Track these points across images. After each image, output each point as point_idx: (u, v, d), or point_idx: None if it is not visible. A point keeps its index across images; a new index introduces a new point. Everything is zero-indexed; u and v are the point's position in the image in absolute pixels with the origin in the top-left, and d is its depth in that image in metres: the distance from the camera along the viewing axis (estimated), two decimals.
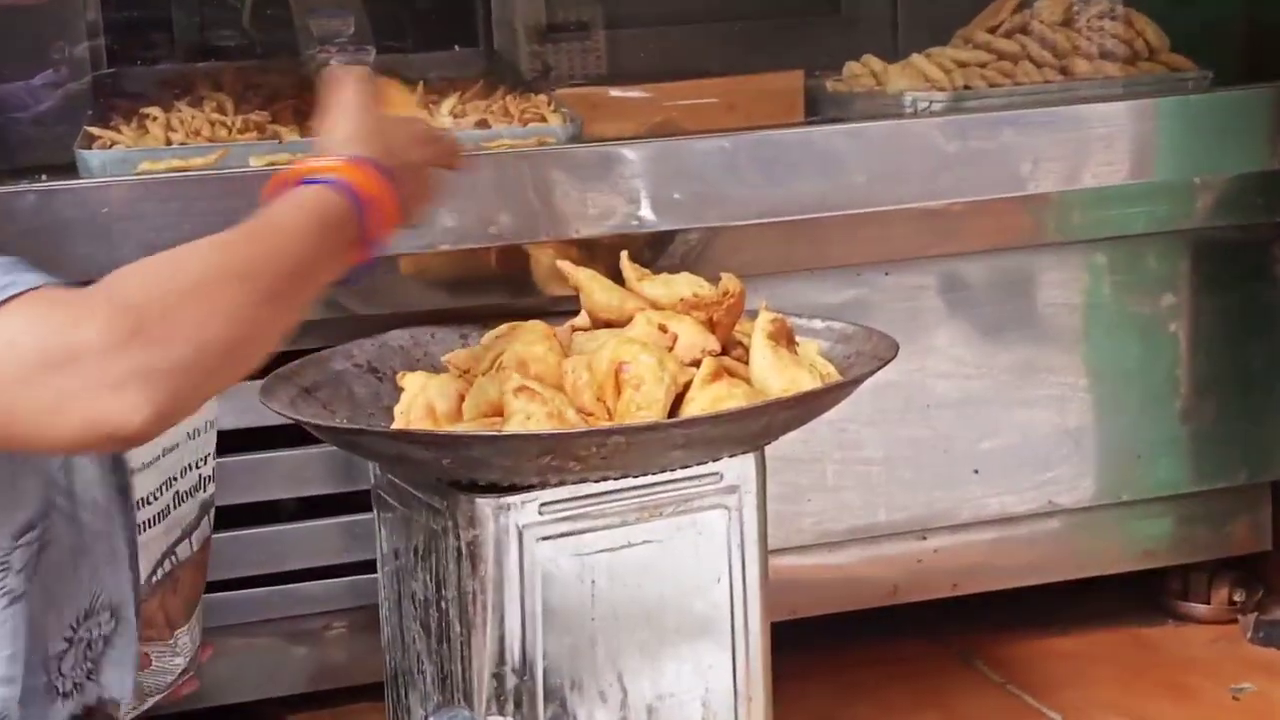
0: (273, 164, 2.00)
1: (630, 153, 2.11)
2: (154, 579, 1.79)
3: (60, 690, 1.55)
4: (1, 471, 1.42)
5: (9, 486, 1.43)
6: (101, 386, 1.17)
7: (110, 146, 2.07)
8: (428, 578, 1.76)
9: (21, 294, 1.19)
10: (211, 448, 1.88)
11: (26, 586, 1.48)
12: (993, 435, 2.36)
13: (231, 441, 2.07)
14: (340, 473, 2.13)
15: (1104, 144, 2.27)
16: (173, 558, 1.83)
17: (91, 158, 2.03)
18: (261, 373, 1.80)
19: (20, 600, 1.47)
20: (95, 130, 2.13)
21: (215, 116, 2.17)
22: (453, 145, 1.71)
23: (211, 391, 1.27)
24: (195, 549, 1.88)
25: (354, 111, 1.52)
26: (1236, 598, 2.53)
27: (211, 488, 1.91)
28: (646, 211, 2.11)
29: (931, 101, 2.29)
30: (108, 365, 1.17)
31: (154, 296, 1.21)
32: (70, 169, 2.05)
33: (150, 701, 1.82)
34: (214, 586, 2.11)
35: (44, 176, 2.00)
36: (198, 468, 1.86)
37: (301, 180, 1.42)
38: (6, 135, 2.28)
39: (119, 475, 1.58)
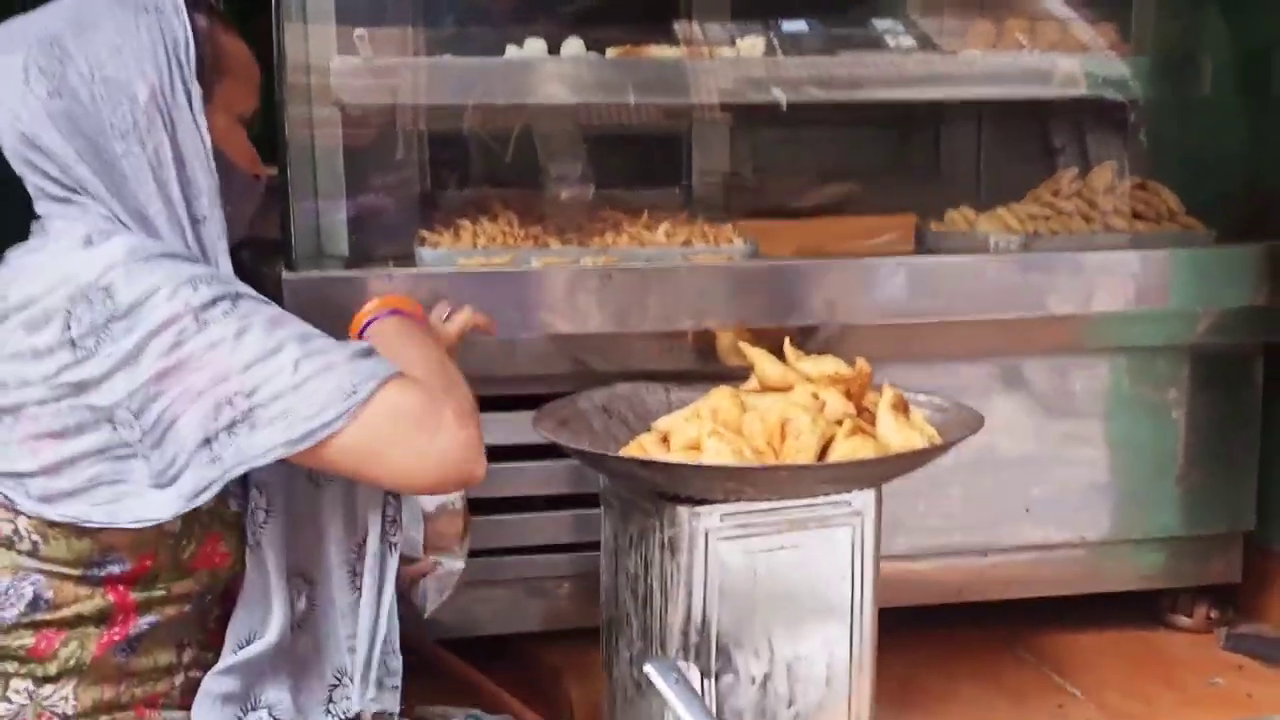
0: (546, 263, 2.06)
1: (792, 268, 2.12)
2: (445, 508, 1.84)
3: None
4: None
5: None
6: (460, 447, 1.31)
7: (436, 246, 2.12)
8: (638, 559, 1.77)
9: (394, 376, 1.31)
10: None
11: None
12: (1040, 484, 2.31)
13: (504, 454, 2.12)
14: (576, 479, 2.14)
15: (1133, 280, 2.23)
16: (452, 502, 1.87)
17: (425, 253, 2.09)
18: (533, 408, 1.87)
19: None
20: (426, 234, 2.18)
21: (506, 228, 2.21)
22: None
23: None
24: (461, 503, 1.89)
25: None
26: (1213, 615, 2.45)
27: None
28: (802, 310, 2.11)
29: (1009, 242, 2.27)
30: (462, 435, 1.31)
31: (461, 396, 1.36)
32: (407, 259, 2.11)
33: (445, 595, 1.83)
34: (484, 553, 2.15)
35: (391, 263, 2.07)
36: None
37: (394, 310, 1.58)
38: (361, 235, 2.26)
39: None
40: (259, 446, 1.27)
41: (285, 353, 1.28)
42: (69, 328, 1.28)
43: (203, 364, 1.26)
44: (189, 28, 1.40)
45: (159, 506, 1.30)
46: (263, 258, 2.15)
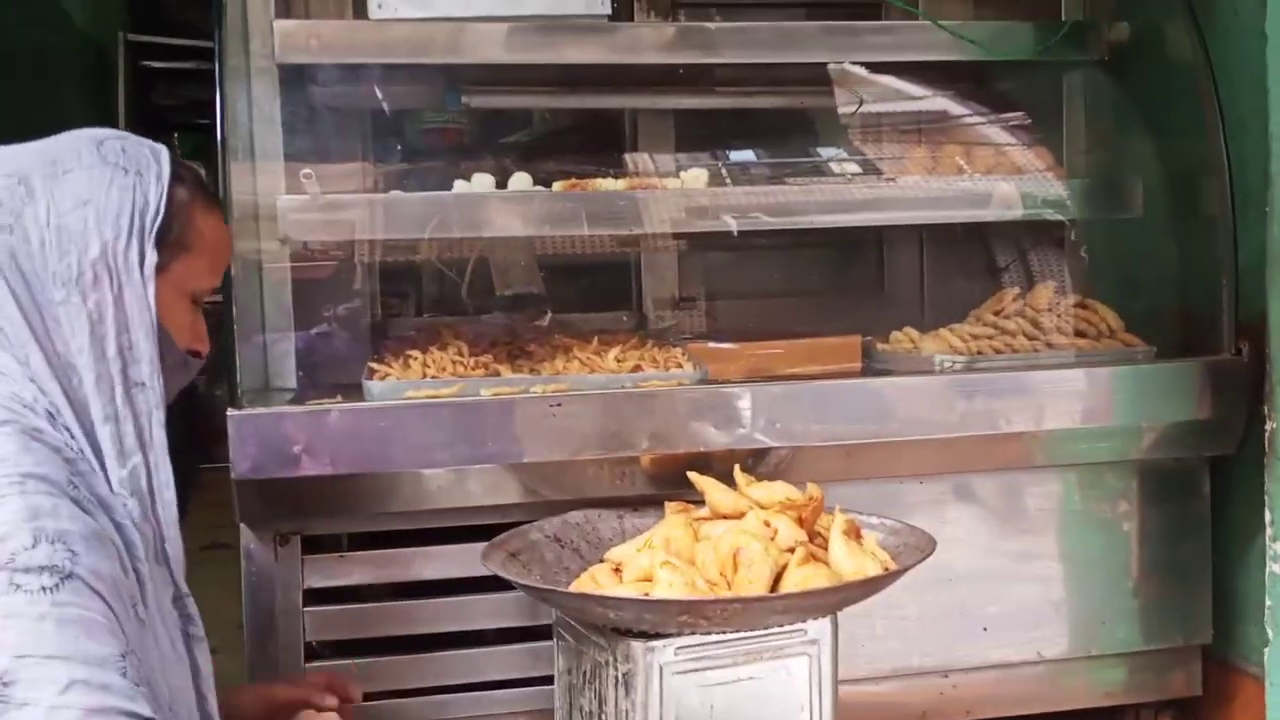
0: (497, 393, 2.03)
1: (742, 392, 2.09)
2: None
3: None
4: None
5: None
6: None
7: (385, 378, 2.09)
8: (592, 695, 1.72)
9: None
10: None
11: None
12: (997, 602, 2.29)
13: (455, 588, 2.07)
14: (529, 610, 2.08)
15: (1077, 397, 2.23)
16: None
17: (373, 386, 2.05)
18: (486, 538, 1.83)
19: None
20: (375, 365, 2.15)
21: (456, 357, 2.18)
22: None
23: None
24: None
25: None
26: None
27: None
28: (752, 434, 2.09)
29: (954, 362, 2.27)
30: None
31: None
32: (357, 390, 2.07)
33: None
34: (435, 690, 2.09)
35: (340, 397, 2.02)
36: None
37: None
38: (311, 365, 2.25)
39: None
40: None
41: (65, 667, 1.14)
42: None
43: None
44: (164, 196, 1.40)
45: None
46: (216, 384, 2.11)
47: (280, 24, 2.08)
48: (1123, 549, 2.35)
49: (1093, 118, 2.63)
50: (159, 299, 1.40)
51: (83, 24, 4.36)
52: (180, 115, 5.22)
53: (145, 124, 4.87)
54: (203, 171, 1.54)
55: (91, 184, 1.37)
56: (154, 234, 1.39)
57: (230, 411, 1.91)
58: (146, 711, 1.19)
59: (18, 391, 1.32)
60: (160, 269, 1.40)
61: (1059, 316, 2.38)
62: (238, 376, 1.98)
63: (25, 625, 1.15)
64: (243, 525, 2.01)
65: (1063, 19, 2.59)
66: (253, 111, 2.06)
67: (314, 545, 2.06)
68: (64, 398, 1.34)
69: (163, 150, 1.45)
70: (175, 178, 1.43)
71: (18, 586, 1.16)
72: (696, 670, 1.65)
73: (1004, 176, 2.43)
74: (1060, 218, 2.49)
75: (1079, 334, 2.36)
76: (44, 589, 1.16)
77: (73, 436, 1.33)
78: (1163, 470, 2.35)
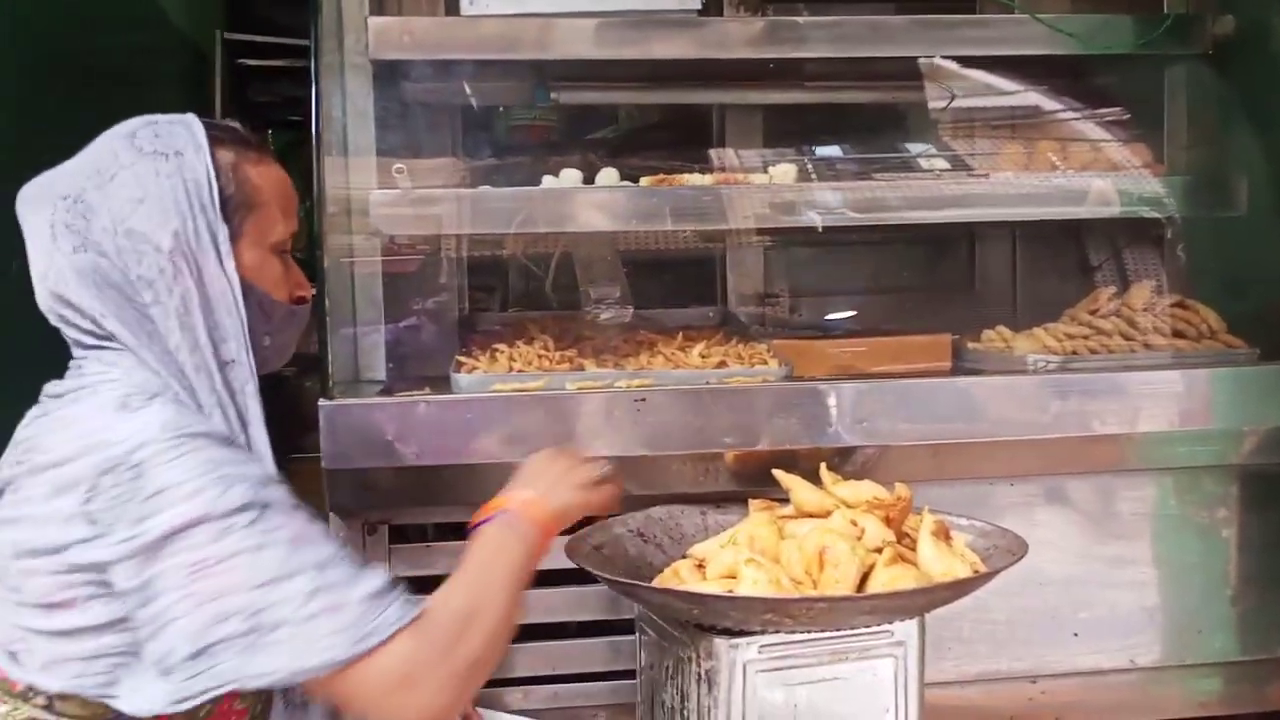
0: (581, 388, 2.04)
1: (828, 390, 2.07)
2: None
3: None
4: None
5: None
6: (428, 713, 1.27)
7: (472, 371, 2.11)
8: (674, 691, 1.72)
9: (401, 630, 1.26)
10: None
11: None
12: (1089, 608, 2.23)
13: (541, 579, 2.07)
14: (611, 604, 2.08)
15: (1174, 399, 2.16)
16: None
17: (460, 379, 2.07)
18: (566, 533, 1.83)
19: None
20: (462, 359, 2.17)
21: (542, 351, 2.19)
22: (608, 493, 1.68)
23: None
24: None
25: (538, 466, 1.62)
26: None
27: None
28: (838, 431, 2.06)
29: (1048, 362, 2.22)
30: (437, 701, 1.27)
31: (474, 649, 1.31)
32: (444, 382, 2.09)
33: None
34: (515, 681, 2.11)
35: (428, 389, 2.04)
36: None
37: (502, 510, 1.51)
38: (399, 357, 2.27)
39: None
40: (255, 669, 1.22)
41: (300, 580, 1.23)
42: (89, 500, 1.25)
43: (214, 573, 1.22)
44: (211, 168, 1.38)
45: (149, 698, 1.26)
46: (306, 374, 2.15)
47: (374, 21, 2.10)
48: (1221, 556, 2.28)
49: (1195, 113, 2.55)
50: (245, 265, 1.40)
51: (180, 24, 4.46)
52: (275, 112, 5.31)
53: (242, 120, 4.96)
54: (238, 124, 1.51)
55: (139, 181, 1.35)
56: (217, 206, 1.38)
57: (322, 402, 1.94)
58: (379, 580, 1.28)
59: (143, 382, 1.35)
60: (235, 237, 1.39)
61: (1156, 316, 2.31)
62: (329, 368, 2.01)
63: (248, 560, 1.22)
64: (332, 514, 2.04)
65: (1165, 12, 2.52)
66: (346, 107, 2.09)
67: (401, 535, 2.08)
68: (183, 388, 1.36)
69: (192, 120, 1.43)
70: (214, 142, 1.41)
71: (228, 529, 1.23)
72: (780, 669, 1.63)
73: (1100, 173, 2.37)
74: (1159, 215, 2.42)
75: (1178, 334, 2.29)
76: (251, 523, 1.24)
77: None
78: (1265, 475, 2.26)
